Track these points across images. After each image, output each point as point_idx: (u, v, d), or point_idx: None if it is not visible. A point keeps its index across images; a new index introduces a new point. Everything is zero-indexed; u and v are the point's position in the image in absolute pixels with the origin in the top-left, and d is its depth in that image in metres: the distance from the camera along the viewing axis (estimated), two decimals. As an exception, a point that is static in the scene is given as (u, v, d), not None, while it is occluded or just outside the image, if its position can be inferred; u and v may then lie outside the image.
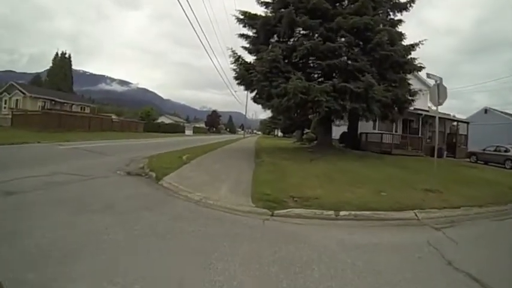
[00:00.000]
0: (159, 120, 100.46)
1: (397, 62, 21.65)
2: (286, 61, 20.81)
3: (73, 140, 25.49)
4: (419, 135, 34.20)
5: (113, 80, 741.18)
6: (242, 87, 24.22)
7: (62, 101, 58.99)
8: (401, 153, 28.40)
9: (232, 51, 23.07)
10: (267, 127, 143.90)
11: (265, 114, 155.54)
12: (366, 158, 22.75)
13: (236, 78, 23.29)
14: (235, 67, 23.11)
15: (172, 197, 9.32)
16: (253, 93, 24.65)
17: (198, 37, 26.40)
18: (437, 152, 14.20)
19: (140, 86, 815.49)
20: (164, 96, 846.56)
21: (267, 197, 9.06)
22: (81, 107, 65.15)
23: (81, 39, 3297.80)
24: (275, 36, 23.58)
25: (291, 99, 18.38)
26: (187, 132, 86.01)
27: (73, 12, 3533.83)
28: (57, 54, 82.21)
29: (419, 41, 22.47)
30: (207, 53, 29.06)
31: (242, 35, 25.09)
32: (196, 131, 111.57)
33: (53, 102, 55.84)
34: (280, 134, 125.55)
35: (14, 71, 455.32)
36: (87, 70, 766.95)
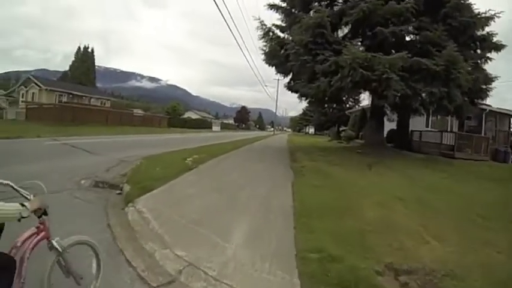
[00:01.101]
0: (186, 116, 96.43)
1: (473, 36, 16.37)
2: (333, 32, 15.41)
3: (80, 135, 22.14)
4: (483, 134, 27.76)
5: (142, 77, 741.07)
6: (273, 71, 19.08)
7: (80, 94, 55.11)
8: (465, 157, 22.42)
9: (261, 22, 17.91)
10: (297, 124, 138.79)
11: (296, 111, 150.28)
12: (434, 164, 17.00)
13: (266, 56, 18.20)
14: (264, 43, 17.95)
15: (114, 263, 4.08)
16: (289, 78, 19.61)
17: (230, 30, 22.80)
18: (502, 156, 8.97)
19: (170, 82, 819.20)
20: (194, 92, 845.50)
21: (336, 269, 3.89)
22: (101, 101, 61.58)
23: (112, 37, 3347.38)
24: (315, 3, 18.06)
25: (347, 76, 12.82)
26: (215, 128, 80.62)
27: (102, 11, 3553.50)
28: (79, 48, 77.80)
29: (495, 13, 16.16)
30: (239, 46, 26.23)
31: (273, 6, 19.59)
32: (225, 127, 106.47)
33: (71, 95, 52.03)
34: (311, 131, 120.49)
35: (47, 69, 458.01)
36: (117, 67, 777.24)
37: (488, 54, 17.60)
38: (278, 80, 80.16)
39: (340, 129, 47.84)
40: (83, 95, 56.13)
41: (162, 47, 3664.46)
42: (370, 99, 20.64)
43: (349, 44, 13.10)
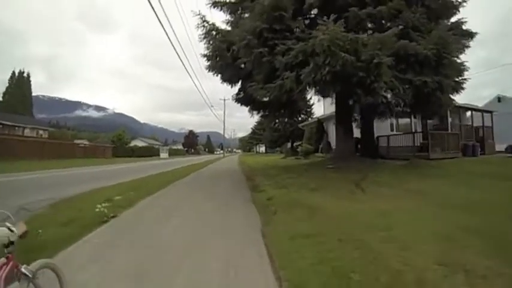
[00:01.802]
0: (132, 144, 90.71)
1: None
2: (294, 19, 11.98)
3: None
4: (451, 130, 25.29)
5: (89, 106, 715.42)
6: (218, 77, 15.74)
7: (12, 124, 49.70)
8: (440, 157, 19.73)
9: (201, 17, 14.37)
10: (247, 144, 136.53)
11: (244, 131, 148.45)
12: (421, 169, 14.01)
13: (209, 60, 14.71)
14: (206, 44, 14.40)
15: None
16: (237, 87, 16.59)
17: (177, 52, 20.82)
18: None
19: (117, 111, 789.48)
20: (141, 120, 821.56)
21: None
22: (37, 132, 56.15)
23: (56, 65, 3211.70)
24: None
25: (323, 65, 9.30)
26: (163, 155, 75.72)
27: (47, 37, 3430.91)
28: (13, 73, 71.11)
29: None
30: (185, 68, 24.59)
31: (216, 3, 15.70)
32: (173, 153, 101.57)
33: (0, 125, 46.33)
34: (262, 150, 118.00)
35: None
36: (62, 97, 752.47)
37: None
38: (224, 99, 78.77)
39: (295, 144, 44.84)
40: (15, 125, 50.98)
41: (108, 74, 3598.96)
42: (334, 103, 17.56)
43: (321, 26, 9.54)
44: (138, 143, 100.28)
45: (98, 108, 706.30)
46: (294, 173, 15.26)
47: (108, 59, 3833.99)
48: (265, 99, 13.87)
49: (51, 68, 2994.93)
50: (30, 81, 73.93)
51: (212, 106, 55.77)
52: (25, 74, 72.60)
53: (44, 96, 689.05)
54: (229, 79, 15.73)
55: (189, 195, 11.18)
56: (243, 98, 16.44)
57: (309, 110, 45.30)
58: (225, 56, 13.46)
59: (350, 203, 7.61)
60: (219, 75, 15.57)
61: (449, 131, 24.43)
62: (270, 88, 11.27)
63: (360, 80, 9.75)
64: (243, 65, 13.00)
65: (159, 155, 77.20)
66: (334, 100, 17.54)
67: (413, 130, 24.30)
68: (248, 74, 13.34)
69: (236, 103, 17.31)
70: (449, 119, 25.36)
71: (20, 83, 70.75)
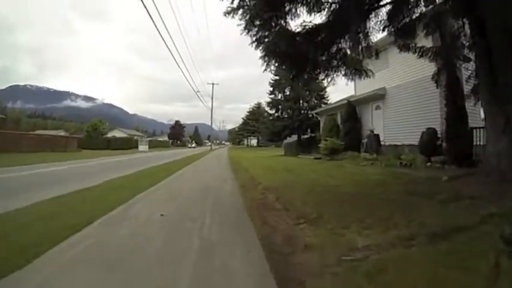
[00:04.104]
0: (111, 135, 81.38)
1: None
2: None
3: None
4: None
5: (77, 96, 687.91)
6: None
7: None
8: None
9: None
10: (237, 136, 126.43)
11: (233, 123, 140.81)
12: None
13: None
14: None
15: None
16: None
17: (165, 42, 20.98)
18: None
19: (106, 101, 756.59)
20: (130, 111, 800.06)
21: None
22: None
23: (44, 53, 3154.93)
24: None
25: None
26: (142, 147, 63.68)
27: (35, 26, 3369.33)
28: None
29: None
30: (174, 58, 26.72)
31: None
32: (156, 145, 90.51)
33: None
34: (253, 143, 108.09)
35: None
36: (51, 87, 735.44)
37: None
38: (213, 84, 67.99)
39: (303, 137, 33.61)
40: None
41: (98, 64, 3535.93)
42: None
43: None
44: (118, 133, 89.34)
45: (87, 98, 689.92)
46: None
47: (98, 50, 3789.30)
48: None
49: (40, 58, 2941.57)
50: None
51: (198, 91, 47.43)
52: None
53: (32, 86, 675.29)
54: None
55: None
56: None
57: (321, 93, 34.04)
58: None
59: None
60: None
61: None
62: None
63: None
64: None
65: (137, 147, 67.29)
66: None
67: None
68: None
69: (254, 45, 9.26)
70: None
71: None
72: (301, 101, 33.80)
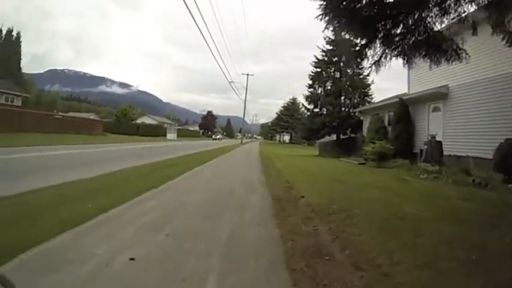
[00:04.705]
0: (140, 121, 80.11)
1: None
2: None
3: None
4: None
5: (113, 82, 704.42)
6: None
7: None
8: None
9: None
10: (269, 130, 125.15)
11: (266, 118, 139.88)
12: None
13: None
14: None
15: None
16: None
17: (202, 33, 21.01)
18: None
19: (140, 88, 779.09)
20: (164, 99, 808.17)
21: None
22: (7, 98, 44.42)
23: (82, 40, 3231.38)
24: None
25: None
26: (170, 136, 62.39)
27: (74, 13, 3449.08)
28: (0, 30, 61.23)
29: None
30: (210, 49, 25.69)
31: None
32: (186, 134, 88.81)
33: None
34: (285, 139, 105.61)
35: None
36: (87, 72, 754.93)
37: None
38: (248, 74, 65.30)
39: (343, 136, 30.43)
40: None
41: (134, 51, 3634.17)
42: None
43: None
44: (148, 120, 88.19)
45: (122, 85, 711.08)
46: None
47: (134, 37, 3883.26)
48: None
49: (79, 44, 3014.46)
50: (20, 41, 64.11)
51: (232, 82, 45.61)
52: (14, 33, 62.78)
53: (69, 70, 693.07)
54: None
55: None
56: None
57: (365, 90, 30.84)
58: None
59: None
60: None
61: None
62: None
63: None
64: None
65: (165, 135, 66.00)
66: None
67: None
68: None
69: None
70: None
71: (7, 42, 61.43)
72: (343, 97, 30.54)
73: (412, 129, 19.11)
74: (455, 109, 16.16)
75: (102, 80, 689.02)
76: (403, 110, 19.04)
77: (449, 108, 16.66)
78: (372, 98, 30.09)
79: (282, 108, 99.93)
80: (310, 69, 32.19)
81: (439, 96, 17.06)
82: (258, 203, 7.46)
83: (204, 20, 20.67)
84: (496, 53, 12.82)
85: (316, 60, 32.05)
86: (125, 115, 73.05)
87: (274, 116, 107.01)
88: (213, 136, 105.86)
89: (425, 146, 15.20)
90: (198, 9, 18.82)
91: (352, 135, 29.36)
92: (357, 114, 29.60)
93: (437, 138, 15.57)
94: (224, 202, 7.32)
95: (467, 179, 11.36)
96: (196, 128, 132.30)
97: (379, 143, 18.06)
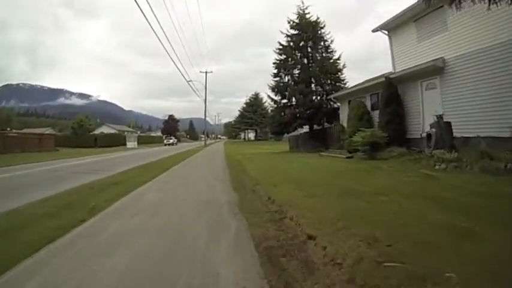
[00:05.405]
0: (98, 131, 76.22)
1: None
2: None
3: None
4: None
5: (72, 93, 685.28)
6: None
7: None
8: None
9: None
10: (233, 129, 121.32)
11: (229, 117, 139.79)
12: None
13: None
14: None
15: None
16: None
17: (159, 38, 20.54)
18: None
19: (101, 98, 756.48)
20: (126, 107, 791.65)
21: None
22: None
23: (38, 51, 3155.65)
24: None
25: None
26: (130, 144, 58.01)
27: (27, 24, 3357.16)
28: None
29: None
30: (168, 53, 30.38)
31: None
32: (147, 140, 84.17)
33: None
34: (250, 136, 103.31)
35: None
36: (44, 85, 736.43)
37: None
38: (206, 72, 61.95)
39: (316, 127, 27.31)
40: None
41: (92, 61, 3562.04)
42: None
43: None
44: (107, 129, 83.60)
45: (82, 95, 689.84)
46: None
47: (91, 46, 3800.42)
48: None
49: (34, 56, 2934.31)
50: None
51: (190, 81, 43.60)
52: None
53: (25, 84, 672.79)
54: None
55: None
56: None
57: (337, 75, 27.79)
58: None
59: None
60: None
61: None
62: None
63: None
64: None
65: (125, 144, 61.67)
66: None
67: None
68: None
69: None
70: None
71: None
72: (313, 84, 27.32)
73: (402, 112, 16.27)
74: (457, 84, 13.47)
75: (60, 92, 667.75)
76: (392, 91, 16.10)
77: (448, 84, 13.94)
78: (345, 83, 27.05)
79: (244, 105, 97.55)
80: (274, 56, 28.85)
81: (434, 71, 14.34)
82: (234, 276, 3.43)
83: (159, 24, 21.67)
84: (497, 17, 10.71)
85: (280, 47, 28.40)
86: (81, 126, 67.28)
87: (237, 114, 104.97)
88: (165, 141, 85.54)
89: (433, 129, 12.17)
90: (153, 12, 18.74)
91: (328, 125, 26.25)
92: (331, 101, 26.73)
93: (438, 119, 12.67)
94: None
95: (496, 164, 8.87)
96: (159, 133, 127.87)
97: (370, 130, 15.05)
